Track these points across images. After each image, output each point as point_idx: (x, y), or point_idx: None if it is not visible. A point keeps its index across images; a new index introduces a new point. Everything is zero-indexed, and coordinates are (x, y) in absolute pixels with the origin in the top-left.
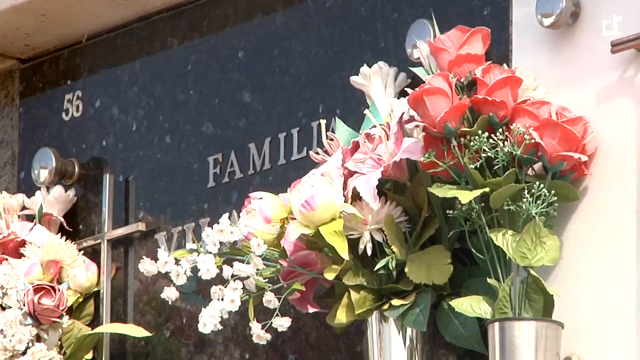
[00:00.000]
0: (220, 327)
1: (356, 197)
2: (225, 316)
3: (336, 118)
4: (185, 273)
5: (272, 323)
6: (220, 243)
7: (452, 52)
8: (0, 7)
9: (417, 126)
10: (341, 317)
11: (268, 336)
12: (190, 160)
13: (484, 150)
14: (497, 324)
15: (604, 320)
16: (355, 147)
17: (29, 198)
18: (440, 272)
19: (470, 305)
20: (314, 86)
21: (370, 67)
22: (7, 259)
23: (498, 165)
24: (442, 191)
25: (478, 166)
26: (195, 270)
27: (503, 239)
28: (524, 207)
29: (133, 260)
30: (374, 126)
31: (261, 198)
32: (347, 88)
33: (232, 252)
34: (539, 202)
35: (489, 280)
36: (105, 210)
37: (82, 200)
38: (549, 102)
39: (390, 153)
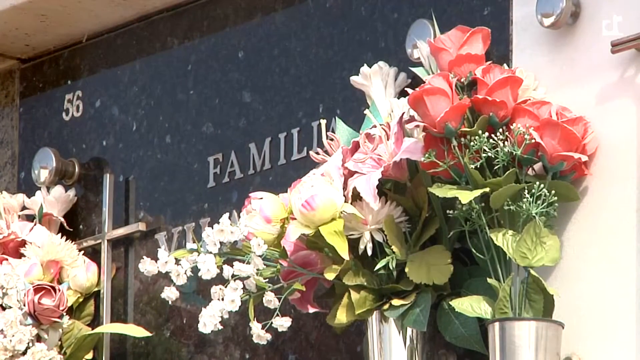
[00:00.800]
0: (221, 327)
1: (356, 197)
2: (226, 316)
3: (336, 118)
4: (185, 273)
5: (272, 323)
6: (221, 243)
7: (452, 52)
8: (0, 7)
9: (417, 126)
10: (341, 317)
11: (268, 336)
12: (191, 160)
13: (484, 150)
14: (497, 324)
15: (604, 320)
16: (356, 147)
17: (29, 198)
18: (440, 272)
19: (471, 305)
20: (314, 86)
21: (370, 67)
22: (7, 259)
23: (498, 165)
24: (442, 191)
25: (478, 166)
26: (195, 270)
27: (503, 239)
28: (524, 207)
29: (133, 260)
30: (374, 126)
31: (261, 198)
32: (347, 88)
33: (232, 252)
34: (539, 202)
35: (489, 280)
36: (106, 210)
37: (82, 200)
38: (549, 102)
39: (391, 153)
